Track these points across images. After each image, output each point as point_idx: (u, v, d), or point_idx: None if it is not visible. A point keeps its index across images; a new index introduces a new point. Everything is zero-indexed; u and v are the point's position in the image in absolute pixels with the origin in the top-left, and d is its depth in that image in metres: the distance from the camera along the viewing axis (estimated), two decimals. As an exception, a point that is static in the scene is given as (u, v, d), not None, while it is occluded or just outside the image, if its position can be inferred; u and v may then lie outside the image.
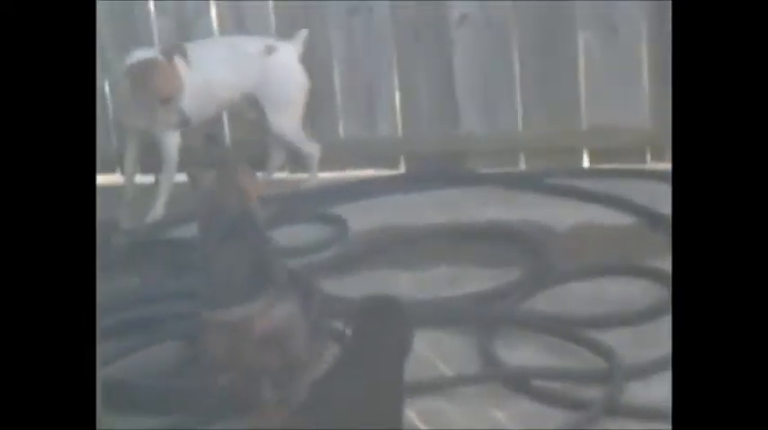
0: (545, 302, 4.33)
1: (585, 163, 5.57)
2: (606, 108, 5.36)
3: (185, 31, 5.52)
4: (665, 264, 4.23)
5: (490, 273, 4.51)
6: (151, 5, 5.54)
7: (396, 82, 5.55)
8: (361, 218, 5.01)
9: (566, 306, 4.28)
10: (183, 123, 4.92)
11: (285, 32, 5.40)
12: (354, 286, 4.34)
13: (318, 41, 5.44)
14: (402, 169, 5.62)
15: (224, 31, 5.48)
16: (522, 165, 5.59)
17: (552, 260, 4.56)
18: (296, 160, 5.51)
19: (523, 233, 4.77)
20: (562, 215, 4.99)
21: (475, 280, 4.46)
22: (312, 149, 5.31)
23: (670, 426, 2.74)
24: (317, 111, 5.50)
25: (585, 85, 5.43)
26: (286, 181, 5.62)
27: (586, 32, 5.39)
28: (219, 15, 5.50)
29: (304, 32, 5.24)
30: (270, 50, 5.19)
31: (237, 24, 5.47)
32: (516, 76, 5.48)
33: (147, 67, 4.87)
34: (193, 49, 5.13)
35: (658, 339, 3.88)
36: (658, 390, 3.61)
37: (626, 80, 5.35)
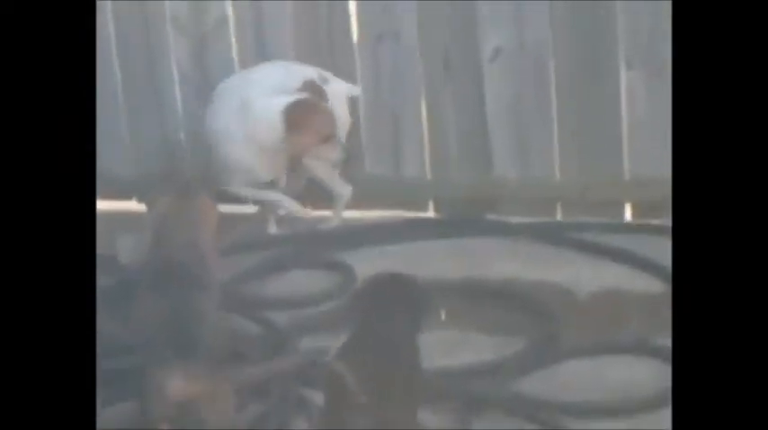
0: (542, 381, 4.18)
1: (627, 217, 5.36)
2: (652, 156, 5.05)
3: (203, 51, 5.44)
4: None
5: (493, 342, 4.37)
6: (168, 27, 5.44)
7: (424, 118, 5.39)
8: (374, 265, 4.70)
9: (563, 388, 4.13)
10: (346, 158, 4.92)
11: (306, 58, 5.30)
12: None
13: (342, 70, 5.31)
14: (431, 212, 5.42)
15: (243, 53, 5.35)
16: (559, 216, 5.39)
17: (562, 332, 4.42)
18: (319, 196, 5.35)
19: (538, 298, 4.63)
20: (588, 276, 4.81)
21: (475, 348, 4.33)
22: (343, 190, 5.13)
23: None
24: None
25: (629, 129, 5.20)
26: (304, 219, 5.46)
27: (631, 72, 5.15)
28: (239, 40, 5.38)
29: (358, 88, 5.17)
30: (324, 81, 5.02)
31: (258, 47, 5.35)
32: (554, 118, 5.26)
33: (305, 107, 4.79)
34: (254, 72, 5.10)
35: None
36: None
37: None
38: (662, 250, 4.77)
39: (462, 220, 5.27)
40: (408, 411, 3.60)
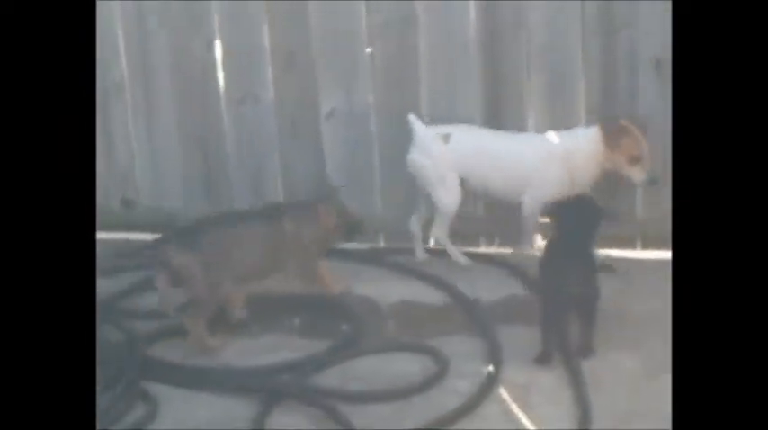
0: (338, 375, 4.31)
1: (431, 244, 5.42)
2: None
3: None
4: (453, 341, 4.49)
5: (305, 343, 4.52)
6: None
7: (278, 164, 5.60)
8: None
9: (353, 380, 4.27)
10: (652, 181, 4.88)
11: (185, 116, 5.52)
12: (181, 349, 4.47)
13: (213, 127, 5.55)
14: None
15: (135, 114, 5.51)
16: (381, 244, 5.57)
17: (363, 335, 4.58)
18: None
19: (351, 308, 4.79)
20: (392, 291, 4.98)
21: (291, 349, 4.47)
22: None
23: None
24: (212, 184, 5.64)
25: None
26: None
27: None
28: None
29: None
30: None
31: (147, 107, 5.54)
32: (377, 166, 5.51)
33: (616, 128, 4.82)
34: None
35: (422, 411, 3.98)
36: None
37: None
38: (450, 271, 5.10)
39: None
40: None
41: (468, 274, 5.13)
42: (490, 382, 4.21)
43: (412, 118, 5.06)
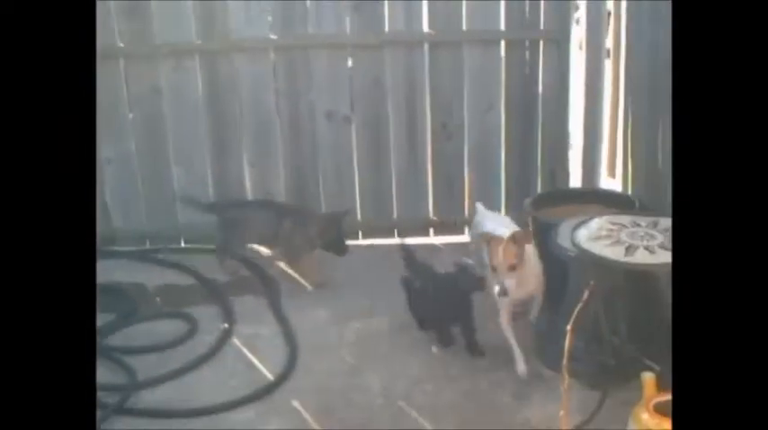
0: (124, 337, 4.73)
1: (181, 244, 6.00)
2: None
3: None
4: (200, 309, 5.02)
5: (99, 316, 4.50)
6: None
7: None
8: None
9: (132, 339, 4.68)
10: (503, 293, 4.51)
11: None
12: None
13: None
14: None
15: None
16: (147, 245, 6.09)
17: (139, 308, 5.05)
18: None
19: (127, 290, 5.30)
20: (157, 278, 5.55)
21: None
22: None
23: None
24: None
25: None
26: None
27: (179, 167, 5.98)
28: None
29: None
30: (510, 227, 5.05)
31: None
32: (141, 197, 6.07)
33: (497, 242, 4.57)
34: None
35: (173, 360, 4.42)
36: (163, 396, 4.10)
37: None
38: (197, 263, 5.61)
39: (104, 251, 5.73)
40: None
41: (209, 264, 5.64)
42: (227, 335, 4.71)
43: (479, 205, 5.38)
